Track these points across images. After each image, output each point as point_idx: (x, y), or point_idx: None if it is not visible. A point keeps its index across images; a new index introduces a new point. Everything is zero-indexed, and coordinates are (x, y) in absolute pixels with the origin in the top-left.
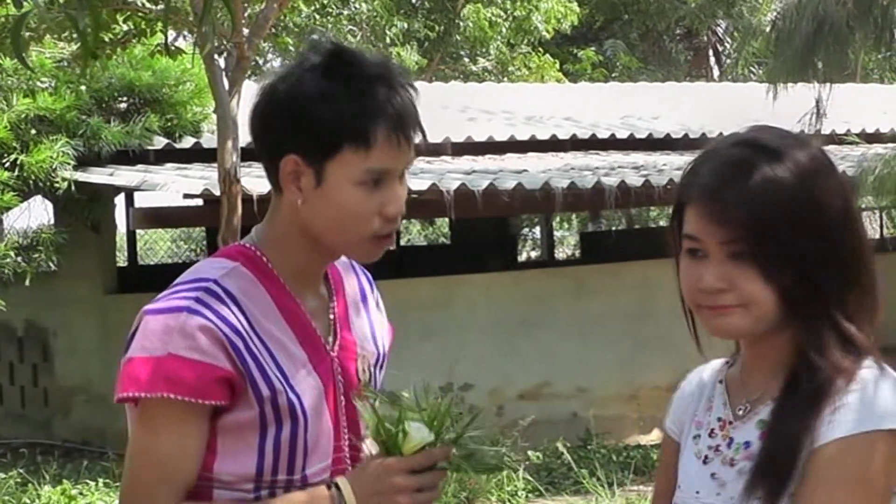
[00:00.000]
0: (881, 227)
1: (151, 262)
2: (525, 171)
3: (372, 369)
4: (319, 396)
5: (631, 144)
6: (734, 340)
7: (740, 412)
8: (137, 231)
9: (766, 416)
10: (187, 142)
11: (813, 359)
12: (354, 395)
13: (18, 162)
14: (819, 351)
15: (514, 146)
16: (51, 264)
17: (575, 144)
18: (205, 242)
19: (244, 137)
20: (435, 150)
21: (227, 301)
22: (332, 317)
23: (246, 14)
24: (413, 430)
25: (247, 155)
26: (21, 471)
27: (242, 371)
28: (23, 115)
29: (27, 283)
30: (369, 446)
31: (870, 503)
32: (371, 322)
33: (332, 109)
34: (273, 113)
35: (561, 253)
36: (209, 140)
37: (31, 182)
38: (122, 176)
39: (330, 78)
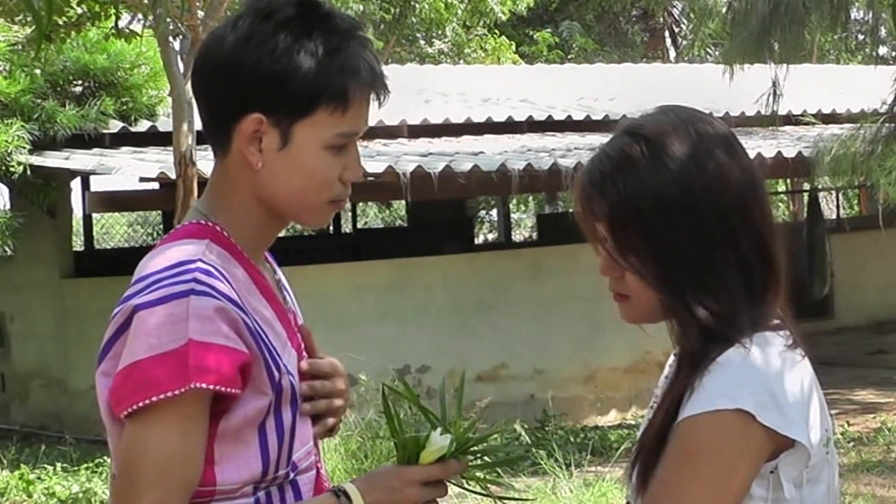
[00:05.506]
0: (837, 207)
1: (108, 247)
2: (481, 153)
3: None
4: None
5: (587, 126)
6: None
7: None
8: (94, 215)
9: None
10: (143, 125)
11: (683, 345)
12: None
13: None
14: (685, 339)
15: (470, 128)
16: (7, 249)
17: (531, 126)
18: (161, 226)
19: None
20: (391, 133)
21: (221, 279)
22: (284, 292)
23: None
24: (432, 439)
25: (203, 138)
26: None
27: (257, 353)
28: None
29: None
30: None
31: (701, 479)
32: (292, 298)
33: (311, 66)
34: (233, 67)
35: (518, 235)
36: (165, 123)
37: None
38: (78, 160)
39: (306, 32)
